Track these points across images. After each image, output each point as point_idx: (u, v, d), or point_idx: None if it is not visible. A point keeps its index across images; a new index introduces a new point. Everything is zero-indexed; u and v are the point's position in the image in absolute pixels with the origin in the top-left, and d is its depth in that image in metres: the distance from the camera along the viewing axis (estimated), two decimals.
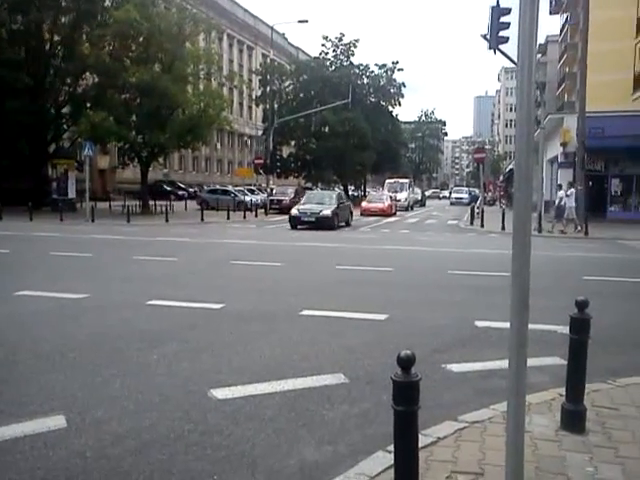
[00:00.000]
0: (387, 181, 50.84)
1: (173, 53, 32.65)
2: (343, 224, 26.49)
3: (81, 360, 5.75)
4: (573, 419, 4.10)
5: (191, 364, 5.66)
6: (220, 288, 9.94)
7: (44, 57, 33.52)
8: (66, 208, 28.37)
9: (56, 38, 34.03)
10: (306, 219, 24.38)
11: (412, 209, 46.74)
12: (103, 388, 4.97)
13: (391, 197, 39.65)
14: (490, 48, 20.41)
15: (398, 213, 39.34)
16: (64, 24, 33.58)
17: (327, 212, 24.58)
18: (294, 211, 25.44)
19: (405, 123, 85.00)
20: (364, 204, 37.76)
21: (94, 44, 33.00)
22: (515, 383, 2.83)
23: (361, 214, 34.49)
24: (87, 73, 34.09)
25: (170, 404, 4.64)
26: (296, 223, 24.67)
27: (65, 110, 35.26)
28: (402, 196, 45.38)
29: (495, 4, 19.91)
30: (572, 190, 23.58)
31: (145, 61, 32.06)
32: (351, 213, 28.37)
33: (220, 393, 4.84)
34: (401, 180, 50.49)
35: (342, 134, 50.71)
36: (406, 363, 2.62)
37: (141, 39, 32.49)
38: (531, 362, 2.97)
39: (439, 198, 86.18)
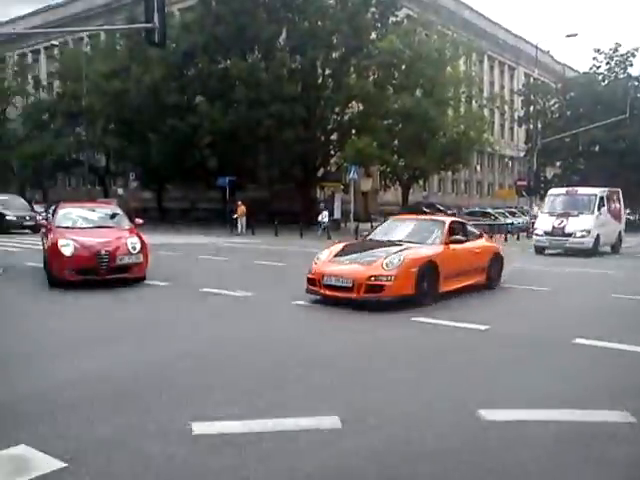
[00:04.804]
0: (550, 192, 24.87)
1: (434, 78, 33.18)
2: None
3: (354, 366, 5.99)
4: None
5: (457, 382, 5.53)
6: (485, 310, 9.61)
7: (316, 90, 36.60)
8: (332, 227, 30.36)
9: (327, 72, 36.98)
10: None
11: (617, 251, 23.06)
12: (374, 395, 5.08)
13: (454, 234, 10.94)
14: None
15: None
16: (334, 59, 36.31)
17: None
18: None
19: None
20: (317, 265, 9.73)
21: (360, 75, 35.19)
22: None
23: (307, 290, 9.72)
24: (353, 102, 36.35)
25: (437, 419, 4.56)
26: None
27: (333, 137, 38.00)
28: (579, 225, 21.13)
29: None
30: None
31: (407, 88, 33.12)
32: None
33: (489, 414, 4.60)
34: (583, 191, 23.93)
35: (615, 153, 46.43)
36: None
37: (403, 67, 33.68)
38: None
39: None
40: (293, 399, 4.96)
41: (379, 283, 8.86)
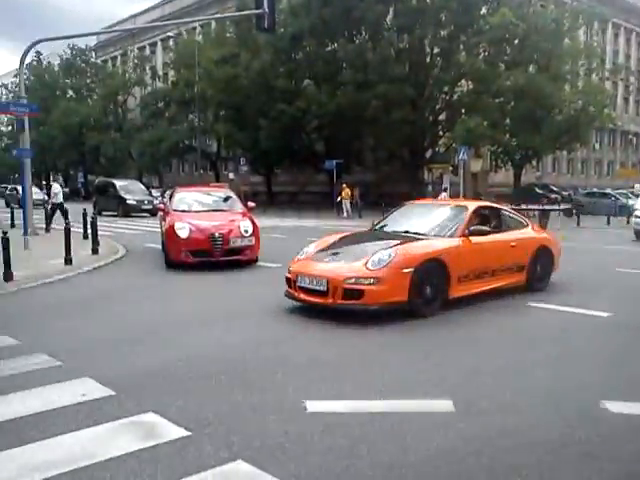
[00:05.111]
0: None
1: (550, 52, 31.54)
2: None
3: (467, 350, 5.91)
4: None
5: (579, 370, 5.29)
6: (605, 295, 9.06)
7: (424, 69, 35.89)
8: None
9: (435, 50, 36.14)
10: None
11: None
12: (490, 381, 4.97)
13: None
14: None
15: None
16: (443, 37, 35.39)
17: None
18: None
19: None
20: (296, 261, 8.00)
21: (469, 52, 34.11)
22: None
23: (285, 293, 7.89)
24: (462, 80, 35.33)
25: (557, 408, 4.38)
26: None
27: (441, 117, 37.17)
28: None
29: None
30: None
31: (520, 63, 31.73)
32: None
33: (612, 406, 4.36)
34: None
35: None
36: None
37: (516, 41, 32.27)
38: None
39: None
40: (407, 382, 4.94)
41: (358, 287, 6.90)
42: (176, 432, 3.87)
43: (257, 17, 17.73)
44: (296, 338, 6.30)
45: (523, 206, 23.34)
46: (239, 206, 13.25)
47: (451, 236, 7.95)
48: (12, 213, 21.13)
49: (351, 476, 3.38)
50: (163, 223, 13.02)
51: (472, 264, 7.85)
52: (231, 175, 42.81)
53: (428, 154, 37.85)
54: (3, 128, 75.28)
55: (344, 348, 5.95)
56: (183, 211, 12.51)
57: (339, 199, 31.66)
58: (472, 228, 8.12)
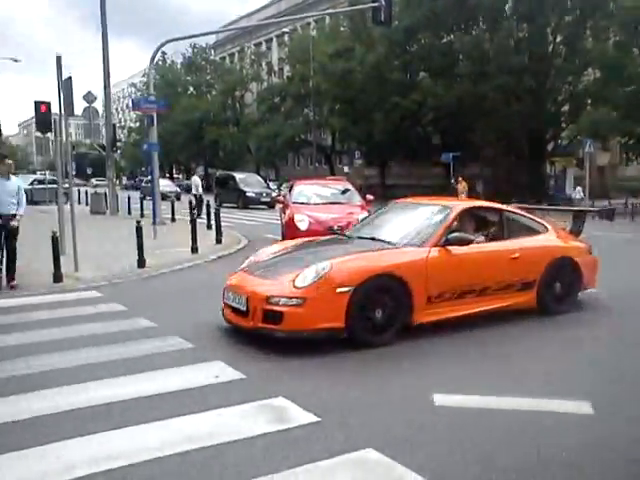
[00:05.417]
0: None
1: None
2: None
3: (603, 352, 5.69)
4: None
5: None
6: None
7: (546, 59, 34.25)
8: (564, 203, 28.37)
9: (558, 39, 34.39)
10: None
11: None
12: (626, 388, 4.74)
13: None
14: None
15: None
16: (567, 23, 33.60)
17: None
18: None
19: None
20: (234, 275, 6.73)
21: (597, 38, 32.11)
22: None
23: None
24: (589, 69, 33.39)
25: None
26: None
27: (564, 109, 35.36)
28: None
29: None
30: None
31: None
32: None
33: None
34: None
35: None
36: None
37: None
38: None
39: None
40: (542, 381, 4.80)
41: (277, 309, 5.59)
42: (305, 417, 3.97)
43: (373, 10, 17.72)
44: (424, 329, 6.22)
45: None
46: (357, 199, 13.30)
47: (420, 245, 6.35)
48: (142, 204, 22.46)
49: (479, 472, 3.31)
50: (283, 215, 13.32)
51: (449, 281, 6.26)
52: (346, 168, 43.09)
53: (550, 147, 36.20)
54: (132, 124, 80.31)
55: (477, 347, 5.84)
56: (302, 203, 12.73)
57: (453, 183, 30.88)
58: (452, 236, 6.41)
